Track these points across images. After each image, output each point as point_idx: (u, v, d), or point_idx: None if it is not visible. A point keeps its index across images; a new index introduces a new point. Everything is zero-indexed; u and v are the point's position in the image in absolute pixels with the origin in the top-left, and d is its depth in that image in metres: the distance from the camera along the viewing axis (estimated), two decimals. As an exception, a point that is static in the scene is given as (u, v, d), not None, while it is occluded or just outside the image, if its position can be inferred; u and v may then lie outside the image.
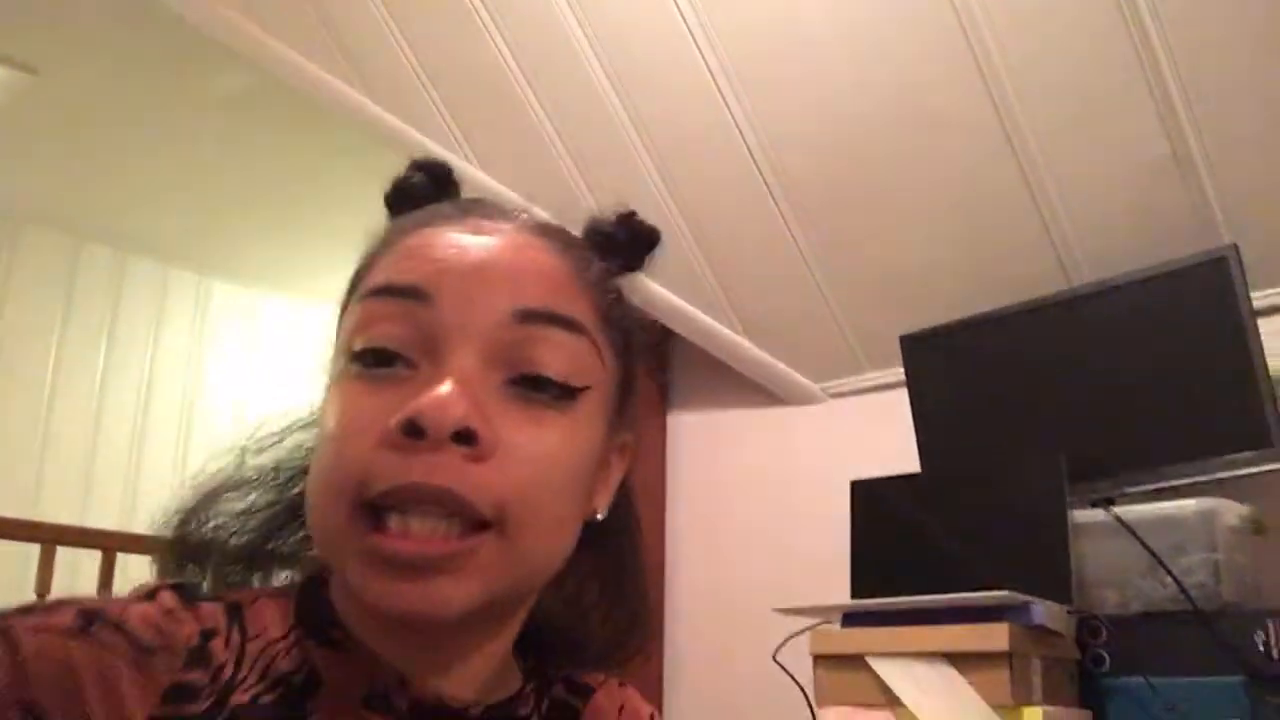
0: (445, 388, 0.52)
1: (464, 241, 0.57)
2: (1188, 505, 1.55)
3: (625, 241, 0.67)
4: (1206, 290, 1.66)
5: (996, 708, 1.40)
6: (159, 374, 4.50)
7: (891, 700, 1.49)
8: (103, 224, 4.22)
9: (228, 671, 0.53)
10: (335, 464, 0.53)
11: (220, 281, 4.64)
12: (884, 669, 1.51)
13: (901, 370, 2.03)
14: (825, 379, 2.33)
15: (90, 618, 0.51)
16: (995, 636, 1.43)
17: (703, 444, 2.52)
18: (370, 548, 0.52)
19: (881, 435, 2.11)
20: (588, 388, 0.58)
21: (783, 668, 1.70)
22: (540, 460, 0.54)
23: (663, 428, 2.57)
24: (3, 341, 4.12)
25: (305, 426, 0.67)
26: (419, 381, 0.53)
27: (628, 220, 0.67)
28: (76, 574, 3.12)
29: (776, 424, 2.40)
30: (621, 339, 0.62)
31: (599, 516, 0.62)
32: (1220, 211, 1.75)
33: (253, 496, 0.65)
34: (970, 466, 1.86)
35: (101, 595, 0.57)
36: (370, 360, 0.55)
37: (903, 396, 2.01)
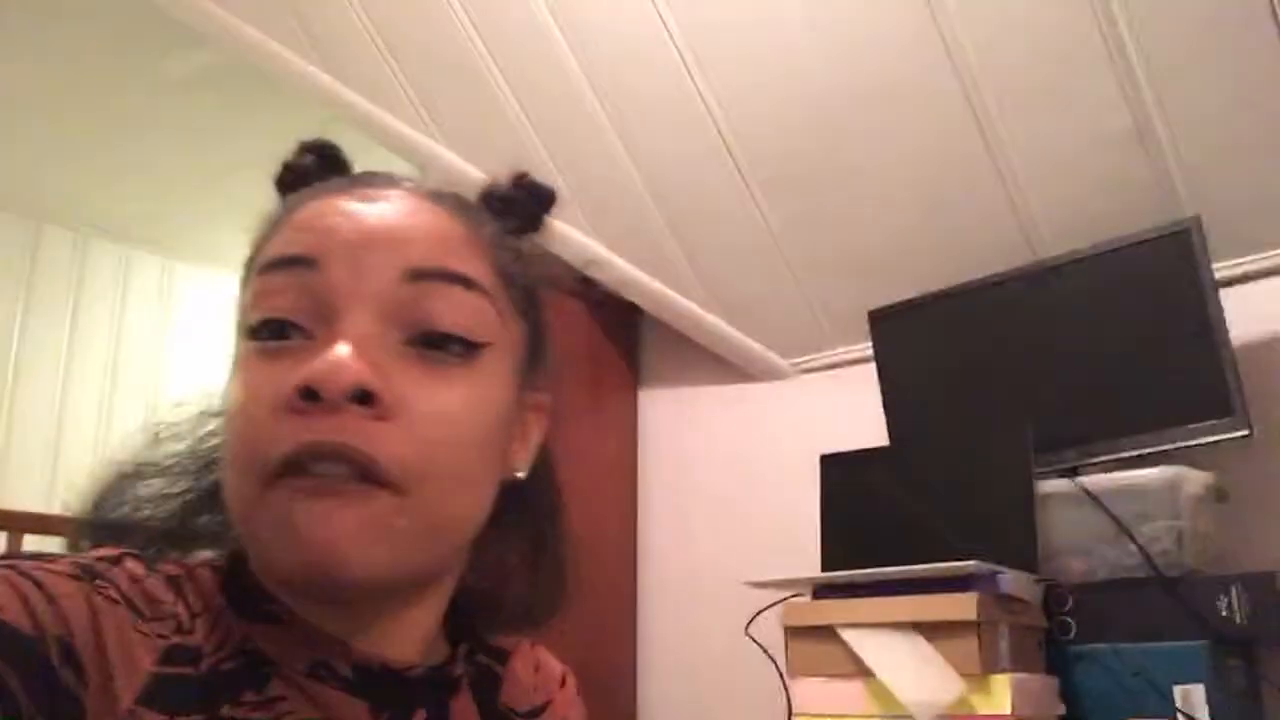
0: (340, 349, 0.52)
1: (352, 208, 0.57)
2: (1152, 474, 1.57)
3: (521, 202, 0.66)
4: (1169, 261, 1.68)
5: (965, 676, 1.42)
6: (124, 357, 4.45)
7: (863, 670, 1.50)
8: (63, 208, 4.16)
9: (196, 639, 0.53)
10: (239, 441, 0.53)
11: (183, 263, 4.59)
12: (855, 640, 1.52)
13: (869, 345, 2.04)
14: (794, 355, 2.34)
15: (89, 572, 0.51)
16: (964, 606, 1.44)
17: (673, 420, 2.53)
18: (269, 503, 0.51)
19: (850, 410, 2.12)
20: (489, 344, 0.57)
21: (754, 640, 1.71)
22: (444, 417, 0.54)
23: (633, 405, 2.58)
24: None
25: (217, 414, 0.66)
26: (315, 349, 0.53)
27: (522, 181, 0.67)
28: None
29: (746, 400, 2.41)
30: (524, 298, 0.62)
31: (519, 475, 0.62)
32: (1183, 184, 1.77)
33: (168, 482, 0.64)
34: (938, 439, 1.87)
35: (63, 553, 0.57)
36: (266, 334, 0.54)
37: (871, 371, 2.02)
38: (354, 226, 0.56)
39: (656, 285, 2.33)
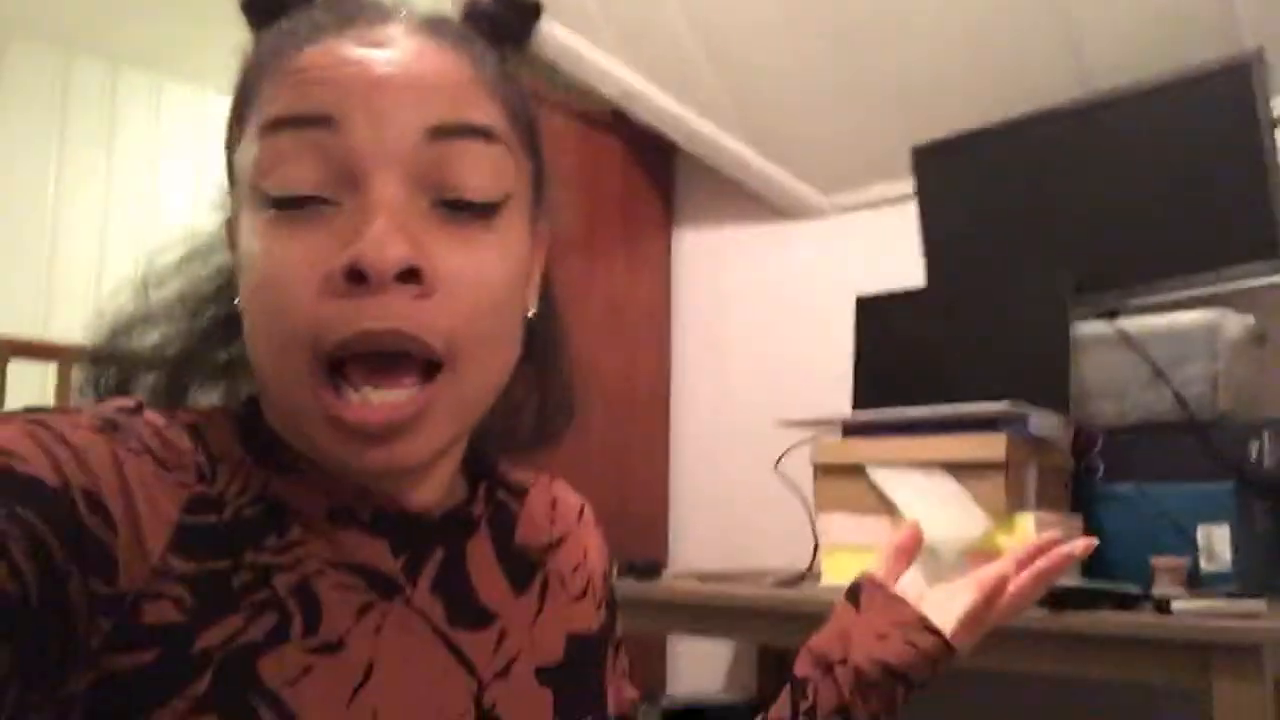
0: (377, 228, 0.51)
1: (361, 55, 0.54)
2: (1191, 317, 1.55)
3: (506, 20, 0.63)
4: (1226, 97, 1.61)
5: (991, 515, 1.45)
6: (162, 186, 4.46)
7: (889, 507, 1.53)
8: (94, 36, 4.10)
9: (219, 487, 0.55)
10: (280, 317, 0.53)
11: (217, 92, 4.54)
12: (882, 478, 1.55)
13: (910, 183, 2.00)
14: (832, 192, 2.30)
15: (111, 424, 0.52)
16: (992, 446, 1.46)
17: (708, 259, 2.51)
18: (335, 418, 0.52)
19: (888, 250, 2.10)
20: (509, 197, 0.57)
21: (784, 477, 1.75)
22: (480, 285, 0.55)
23: (667, 244, 2.56)
24: (1, 160, 4.06)
25: (204, 255, 0.66)
26: (345, 217, 0.52)
27: (494, 12, 0.63)
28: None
29: (781, 239, 2.38)
30: (528, 130, 0.61)
31: (530, 313, 0.63)
32: (1245, 13, 1.68)
33: (162, 329, 0.65)
34: (975, 280, 1.85)
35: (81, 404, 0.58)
36: (282, 205, 0.53)
37: (910, 210, 1.99)
38: (369, 79, 0.54)
39: (693, 119, 2.27)
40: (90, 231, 4.27)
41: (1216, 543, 1.45)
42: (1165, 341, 1.56)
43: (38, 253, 4.13)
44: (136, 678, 0.48)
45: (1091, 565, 1.55)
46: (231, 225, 0.61)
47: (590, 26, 2.16)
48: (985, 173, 1.90)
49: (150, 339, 0.64)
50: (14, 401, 2.82)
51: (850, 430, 1.66)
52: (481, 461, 0.67)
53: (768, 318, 2.38)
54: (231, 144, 0.59)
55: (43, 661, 0.45)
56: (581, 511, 0.75)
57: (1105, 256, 1.71)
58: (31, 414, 0.50)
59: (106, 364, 0.64)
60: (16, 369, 2.90)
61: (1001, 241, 1.86)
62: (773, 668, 2.11)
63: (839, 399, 1.87)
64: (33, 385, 3.14)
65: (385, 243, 0.51)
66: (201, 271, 0.66)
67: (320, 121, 0.53)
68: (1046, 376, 1.62)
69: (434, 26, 0.58)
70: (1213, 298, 1.60)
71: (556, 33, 2.17)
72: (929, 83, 2.00)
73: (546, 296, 0.67)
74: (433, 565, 0.60)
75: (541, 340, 0.67)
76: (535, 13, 0.65)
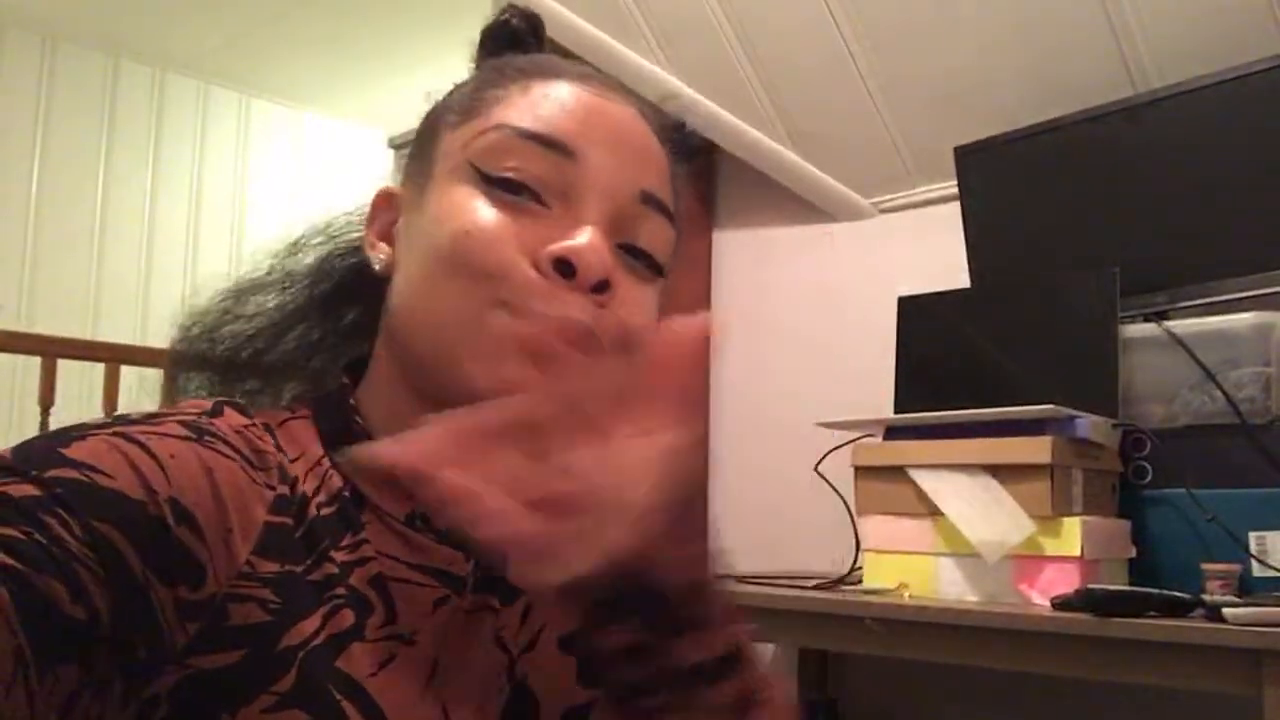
0: (593, 238, 0.58)
1: (604, 109, 0.63)
2: (1243, 318, 1.52)
3: (683, 138, 0.72)
4: (1275, 96, 1.58)
5: (1036, 518, 1.43)
6: (206, 190, 4.52)
7: (931, 510, 1.52)
8: (141, 42, 4.16)
9: (299, 487, 0.58)
10: (472, 259, 0.58)
11: (260, 99, 4.59)
12: (925, 480, 1.53)
13: (954, 183, 1.97)
14: (875, 193, 2.28)
15: (196, 429, 0.55)
16: (1038, 449, 1.44)
17: (749, 261, 2.50)
18: (509, 334, 0.56)
19: (932, 251, 2.08)
20: (667, 270, 0.65)
21: (824, 479, 1.73)
22: (642, 315, 0.62)
23: (708, 244, 2.55)
24: (49, 162, 4.13)
25: (333, 238, 0.71)
26: (554, 220, 0.59)
27: (684, 128, 0.72)
28: (141, 390, 3.23)
29: (824, 240, 2.37)
30: (681, 223, 0.69)
31: None
32: (1301, 9, 1.65)
33: (269, 298, 0.70)
34: (1021, 281, 1.83)
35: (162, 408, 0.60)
36: (501, 185, 0.59)
37: (954, 211, 1.97)
38: (610, 133, 0.62)
39: (734, 120, 2.26)
40: (137, 233, 4.34)
41: (1269, 548, 1.42)
42: (1216, 343, 1.53)
43: (86, 254, 4.21)
44: (223, 677, 0.51)
45: (1140, 570, 1.53)
46: (392, 198, 0.67)
47: (628, 28, 2.16)
48: (1030, 173, 1.88)
49: (250, 308, 0.69)
50: (63, 401, 2.87)
51: (892, 432, 1.64)
52: None
53: (809, 319, 2.37)
54: (446, 125, 0.64)
55: (129, 666, 0.47)
56: None
57: (1153, 257, 1.69)
58: (117, 425, 0.53)
59: (192, 366, 0.68)
60: (65, 368, 2.95)
61: (1047, 242, 1.84)
62: (813, 670, 2.10)
63: (881, 401, 1.85)
64: (82, 385, 3.20)
65: (600, 251, 0.58)
66: (333, 249, 0.71)
67: (561, 149, 0.60)
68: (1093, 378, 1.59)
69: (646, 110, 0.67)
70: (1264, 299, 1.57)
71: (594, 34, 2.17)
72: (972, 82, 1.98)
73: None
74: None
75: None
76: (700, 146, 0.76)
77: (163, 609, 0.49)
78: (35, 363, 2.97)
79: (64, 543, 0.45)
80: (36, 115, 4.12)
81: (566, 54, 2.29)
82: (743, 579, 1.78)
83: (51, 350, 2.93)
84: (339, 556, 0.57)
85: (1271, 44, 1.63)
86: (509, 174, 0.59)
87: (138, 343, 3.42)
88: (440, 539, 0.61)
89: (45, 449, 0.49)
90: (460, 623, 0.60)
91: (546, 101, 0.62)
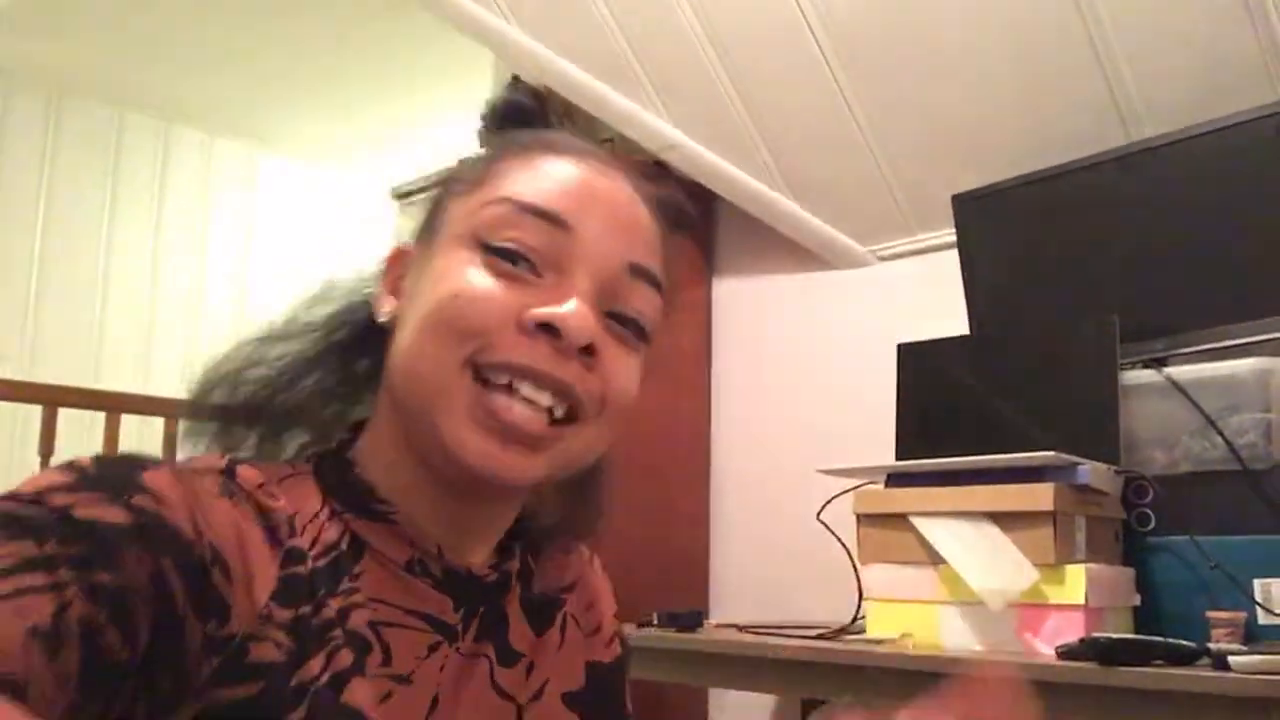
0: (579, 305, 0.62)
1: (601, 187, 0.67)
2: (1242, 365, 1.53)
3: (678, 215, 0.75)
4: (1271, 143, 1.60)
5: (1039, 566, 1.42)
6: (211, 242, 4.55)
7: (934, 558, 1.51)
8: (147, 95, 4.21)
9: (302, 541, 0.62)
10: (457, 319, 0.62)
11: (265, 151, 4.64)
12: (927, 528, 1.52)
13: (952, 231, 1.99)
14: (873, 241, 2.30)
15: (229, 490, 0.60)
16: (1040, 496, 1.43)
17: (748, 309, 2.51)
18: (486, 408, 0.61)
19: (931, 298, 2.09)
20: (652, 336, 0.69)
21: (826, 527, 1.73)
22: (626, 380, 0.66)
23: (707, 293, 2.56)
24: (53, 211, 4.16)
25: (352, 292, 0.75)
26: (545, 288, 0.63)
27: (677, 201, 0.75)
28: (141, 441, 3.23)
29: (823, 288, 2.38)
30: (670, 293, 0.73)
31: None
32: (1292, 59, 1.67)
33: (290, 345, 0.73)
34: (1021, 328, 1.83)
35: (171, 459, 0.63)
36: (499, 254, 0.63)
37: (953, 258, 1.98)
38: (603, 207, 0.66)
39: (732, 170, 2.28)
40: (141, 283, 4.36)
41: (1274, 595, 1.41)
42: (1216, 390, 1.53)
43: (89, 304, 4.22)
44: (240, 708, 0.55)
45: (1145, 618, 1.52)
46: (404, 256, 0.71)
47: (627, 78, 2.19)
48: (1027, 220, 1.89)
49: (254, 391, 0.71)
50: (63, 450, 2.87)
51: (894, 479, 1.64)
52: (518, 525, 0.74)
53: (808, 366, 2.37)
54: (454, 193, 0.69)
55: (153, 697, 0.51)
56: (590, 559, 0.83)
57: (1152, 304, 1.69)
58: (174, 467, 0.58)
59: (210, 415, 0.71)
60: (66, 417, 2.95)
61: (1047, 289, 1.85)
62: (816, 722, 2.07)
63: (882, 448, 1.85)
64: (83, 434, 3.19)
65: (585, 317, 0.62)
66: (348, 303, 0.74)
67: (559, 223, 0.65)
68: (1095, 425, 1.59)
69: (642, 189, 0.70)
70: (1263, 345, 1.57)
71: (594, 86, 2.20)
72: (969, 131, 2.00)
73: None
74: (478, 619, 0.68)
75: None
76: (692, 220, 0.80)
77: (192, 642, 0.53)
78: (36, 412, 2.97)
79: (134, 580, 0.49)
80: (42, 165, 4.16)
81: (569, 105, 2.31)
82: (744, 629, 1.76)
83: (53, 399, 2.94)
84: (334, 603, 0.61)
85: (1264, 93, 1.65)
86: (508, 244, 0.63)
87: (139, 391, 3.42)
88: (435, 585, 0.65)
89: (126, 469, 0.54)
90: (456, 665, 0.65)
91: (547, 178, 0.66)
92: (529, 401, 0.61)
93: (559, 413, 0.62)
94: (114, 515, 0.50)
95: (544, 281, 0.63)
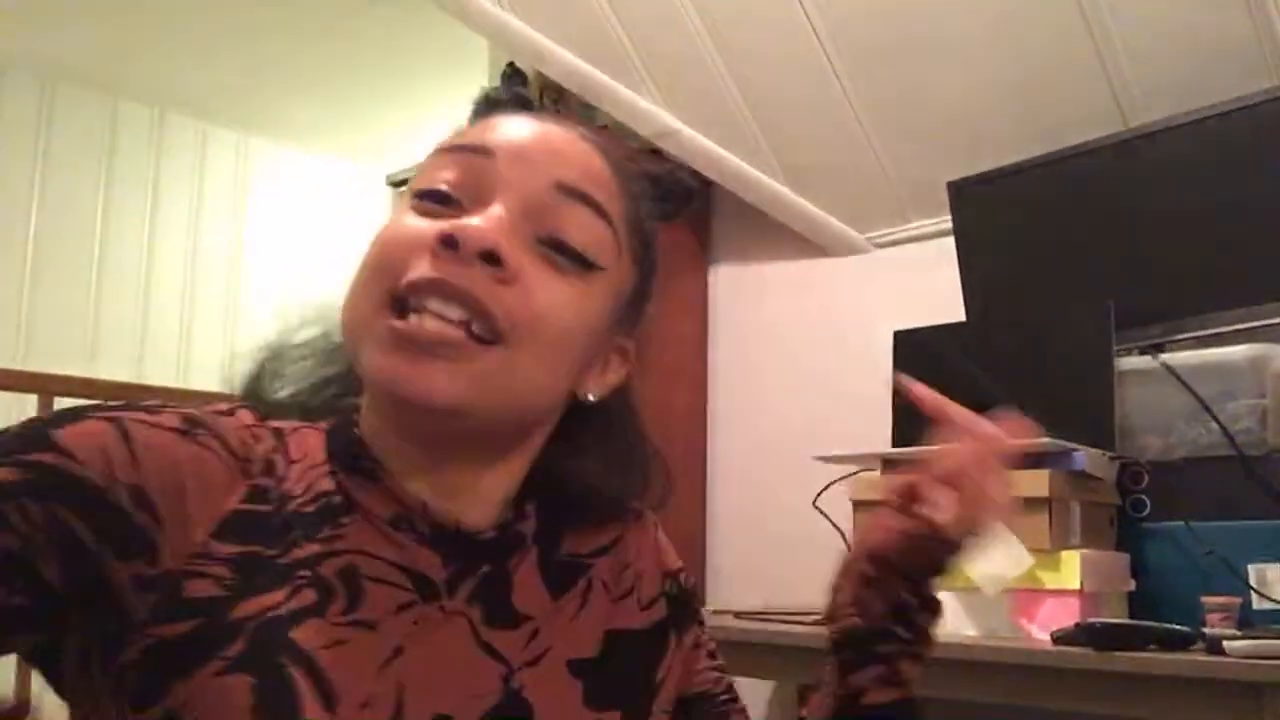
0: (483, 218, 0.61)
1: (530, 122, 0.67)
2: (1238, 351, 1.53)
3: (669, 192, 0.74)
4: (1268, 129, 1.60)
5: (1035, 551, 1.42)
6: (204, 231, 4.53)
7: (930, 544, 1.51)
8: (141, 83, 4.19)
9: (285, 483, 0.63)
10: (371, 265, 0.63)
11: (259, 138, 4.62)
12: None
13: (949, 218, 1.99)
14: (870, 228, 2.29)
15: (193, 423, 0.61)
16: (1036, 483, 1.44)
17: (744, 296, 2.51)
18: (386, 329, 0.60)
19: (927, 285, 2.09)
20: (602, 269, 0.65)
21: (823, 513, 1.73)
22: (553, 302, 0.63)
23: (704, 280, 2.56)
24: (47, 201, 4.15)
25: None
26: (462, 215, 0.62)
27: (671, 173, 0.75)
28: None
29: (820, 275, 2.38)
30: (643, 251, 0.70)
31: (589, 398, 0.70)
32: (1289, 45, 1.67)
33: (304, 363, 0.74)
34: (1016, 315, 1.84)
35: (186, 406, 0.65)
36: (426, 196, 0.64)
37: (949, 245, 1.98)
38: (528, 135, 0.66)
39: (729, 157, 2.28)
40: (135, 272, 4.34)
41: (1269, 580, 1.41)
42: (1211, 376, 1.54)
43: (83, 293, 4.21)
44: (179, 644, 0.56)
45: (1139, 603, 1.52)
46: None
47: (624, 65, 2.18)
48: (1024, 207, 1.89)
49: (295, 369, 0.74)
50: (60, 439, 2.86)
51: (890, 465, 1.64)
52: (538, 485, 0.72)
53: (805, 353, 2.37)
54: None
55: (104, 636, 0.55)
56: (649, 523, 0.79)
57: (1148, 291, 1.70)
58: (120, 410, 0.59)
59: (258, 387, 0.73)
60: (61, 406, 2.95)
61: (1042, 276, 1.85)
62: (813, 708, 2.08)
63: (878, 434, 1.86)
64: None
65: (482, 225, 0.61)
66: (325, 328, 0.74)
67: (479, 150, 0.65)
68: (1090, 411, 1.60)
69: (604, 142, 0.69)
70: (1259, 331, 1.58)
71: (592, 73, 2.19)
72: (965, 118, 2.00)
73: (625, 405, 0.75)
74: (475, 578, 0.66)
75: (612, 438, 0.74)
76: (683, 200, 0.76)
77: (119, 581, 0.55)
78: (31, 400, 2.96)
79: (22, 530, 0.53)
80: (36, 154, 4.14)
81: (564, 91, 2.31)
82: (741, 615, 1.77)
83: (48, 388, 2.93)
84: (311, 548, 0.61)
85: (1260, 79, 1.65)
86: (433, 186, 0.64)
87: (135, 381, 3.42)
88: (422, 541, 0.64)
89: (39, 430, 0.56)
90: (434, 620, 0.64)
91: (480, 127, 0.67)
92: (437, 316, 0.59)
93: (476, 329, 0.60)
94: (1, 475, 0.54)
95: (464, 212, 0.63)
